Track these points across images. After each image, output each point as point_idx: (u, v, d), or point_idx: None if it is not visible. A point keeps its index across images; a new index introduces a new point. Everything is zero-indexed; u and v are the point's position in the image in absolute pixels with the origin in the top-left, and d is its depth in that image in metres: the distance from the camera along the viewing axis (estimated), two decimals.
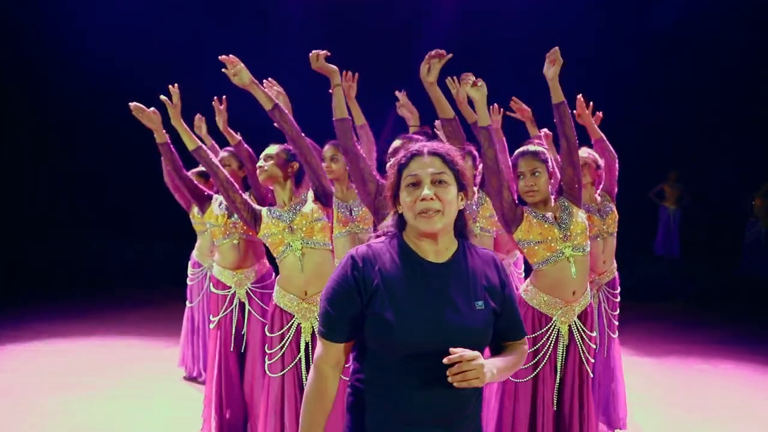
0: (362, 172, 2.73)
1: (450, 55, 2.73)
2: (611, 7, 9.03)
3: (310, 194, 2.99)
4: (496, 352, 1.70)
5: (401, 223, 1.65)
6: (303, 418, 1.60)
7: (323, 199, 2.96)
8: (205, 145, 3.85)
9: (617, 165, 3.65)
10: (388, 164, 1.65)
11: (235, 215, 3.70)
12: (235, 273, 3.74)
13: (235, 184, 3.06)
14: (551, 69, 2.69)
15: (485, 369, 1.48)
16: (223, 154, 4.01)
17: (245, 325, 3.67)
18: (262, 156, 3.00)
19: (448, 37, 8.75)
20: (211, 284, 3.84)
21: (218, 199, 3.80)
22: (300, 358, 2.87)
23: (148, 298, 7.85)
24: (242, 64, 2.72)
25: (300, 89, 3.74)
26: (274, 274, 3.82)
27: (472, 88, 2.67)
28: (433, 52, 2.72)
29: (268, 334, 2.97)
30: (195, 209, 4.70)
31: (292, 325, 2.90)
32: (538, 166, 2.68)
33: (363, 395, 1.60)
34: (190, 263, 4.87)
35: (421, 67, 2.75)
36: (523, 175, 2.70)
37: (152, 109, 3.32)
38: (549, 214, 2.72)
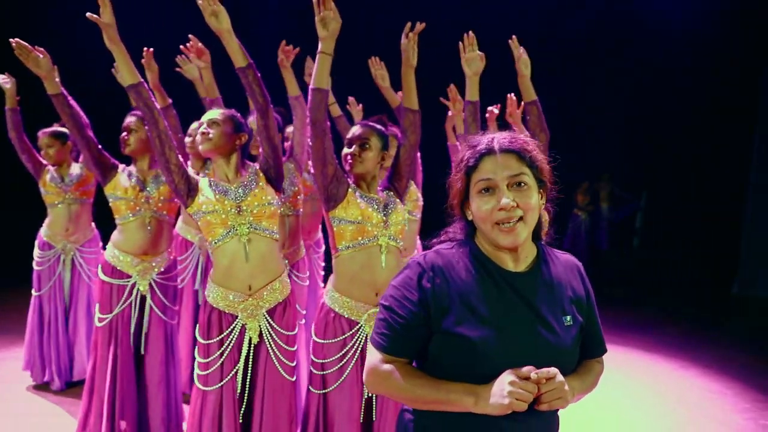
0: (326, 152, 2.37)
1: (423, 25, 2.57)
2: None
3: (260, 174, 2.57)
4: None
5: (470, 229, 1.42)
6: (409, 391, 1.33)
7: (276, 182, 2.58)
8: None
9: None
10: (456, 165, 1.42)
11: (149, 188, 3.10)
12: (140, 260, 3.11)
13: (173, 141, 2.49)
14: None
15: (566, 387, 1.26)
16: (193, 125, 3.57)
17: (144, 324, 3.10)
18: (204, 121, 2.50)
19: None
20: (100, 270, 3.15)
21: (126, 170, 3.14)
22: (238, 369, 2.46)
23: None
24: (222, 7, 2.30)
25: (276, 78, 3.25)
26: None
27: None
28: (417, 29, 2.56)
29: (201, 340, 2.48)
30: (48, 176, 3.94)
31: (234, 327, 2.45)
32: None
33: (429, 422, 1.37)
34: (37, 243, 4.02)
35: (408, 48, 2.55)
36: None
37: (41, 49, 2.78)
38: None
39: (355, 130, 2.49)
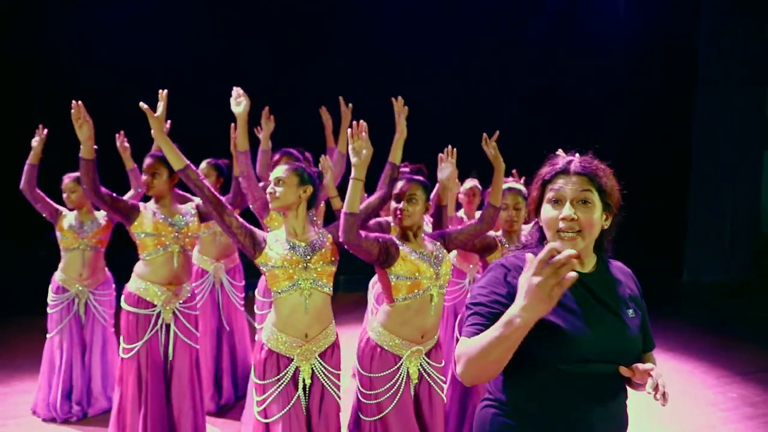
0: (367, 249, 2.55)
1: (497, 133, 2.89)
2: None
3: (329, 236, 2.71)
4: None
5: (541, 233, 1.62)
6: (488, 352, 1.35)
7: (339, 245, 2.71)
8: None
9: None
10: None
11: (178, 224, 3.29)
12: (165, 289, 3.25)
13: (228, 206, 2.62)
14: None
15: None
16: (201, 165, 3.84)
17: (171, 351, 3.24)
18: (271, 180, 2.63)
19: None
20: (123, 301, 3.25)
21: (148, 208, 3.26)
22: (299, 395, 2.60)
23: None
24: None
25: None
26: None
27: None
28: (494, 137, 2.89)
29: (257, 381, 2.62)
30: (64, 222, 3.97)
31: (289, 369, 2.61)
32: (520, 202, 3.16)
33: (515, 412, 1.54)
34: (51, 287, 4.02)
35: (495, 156, 2.89)
36: (508, 208, 3.14)
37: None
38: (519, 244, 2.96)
39: (402, 185, 2.68)
